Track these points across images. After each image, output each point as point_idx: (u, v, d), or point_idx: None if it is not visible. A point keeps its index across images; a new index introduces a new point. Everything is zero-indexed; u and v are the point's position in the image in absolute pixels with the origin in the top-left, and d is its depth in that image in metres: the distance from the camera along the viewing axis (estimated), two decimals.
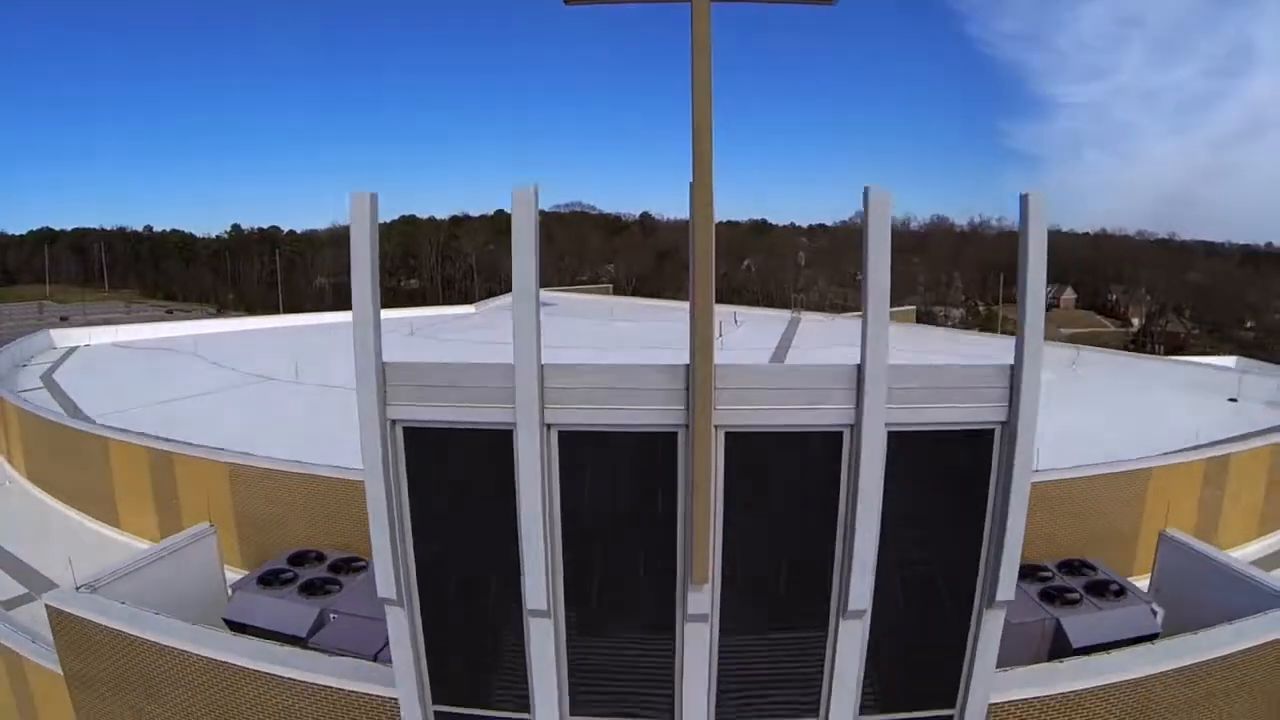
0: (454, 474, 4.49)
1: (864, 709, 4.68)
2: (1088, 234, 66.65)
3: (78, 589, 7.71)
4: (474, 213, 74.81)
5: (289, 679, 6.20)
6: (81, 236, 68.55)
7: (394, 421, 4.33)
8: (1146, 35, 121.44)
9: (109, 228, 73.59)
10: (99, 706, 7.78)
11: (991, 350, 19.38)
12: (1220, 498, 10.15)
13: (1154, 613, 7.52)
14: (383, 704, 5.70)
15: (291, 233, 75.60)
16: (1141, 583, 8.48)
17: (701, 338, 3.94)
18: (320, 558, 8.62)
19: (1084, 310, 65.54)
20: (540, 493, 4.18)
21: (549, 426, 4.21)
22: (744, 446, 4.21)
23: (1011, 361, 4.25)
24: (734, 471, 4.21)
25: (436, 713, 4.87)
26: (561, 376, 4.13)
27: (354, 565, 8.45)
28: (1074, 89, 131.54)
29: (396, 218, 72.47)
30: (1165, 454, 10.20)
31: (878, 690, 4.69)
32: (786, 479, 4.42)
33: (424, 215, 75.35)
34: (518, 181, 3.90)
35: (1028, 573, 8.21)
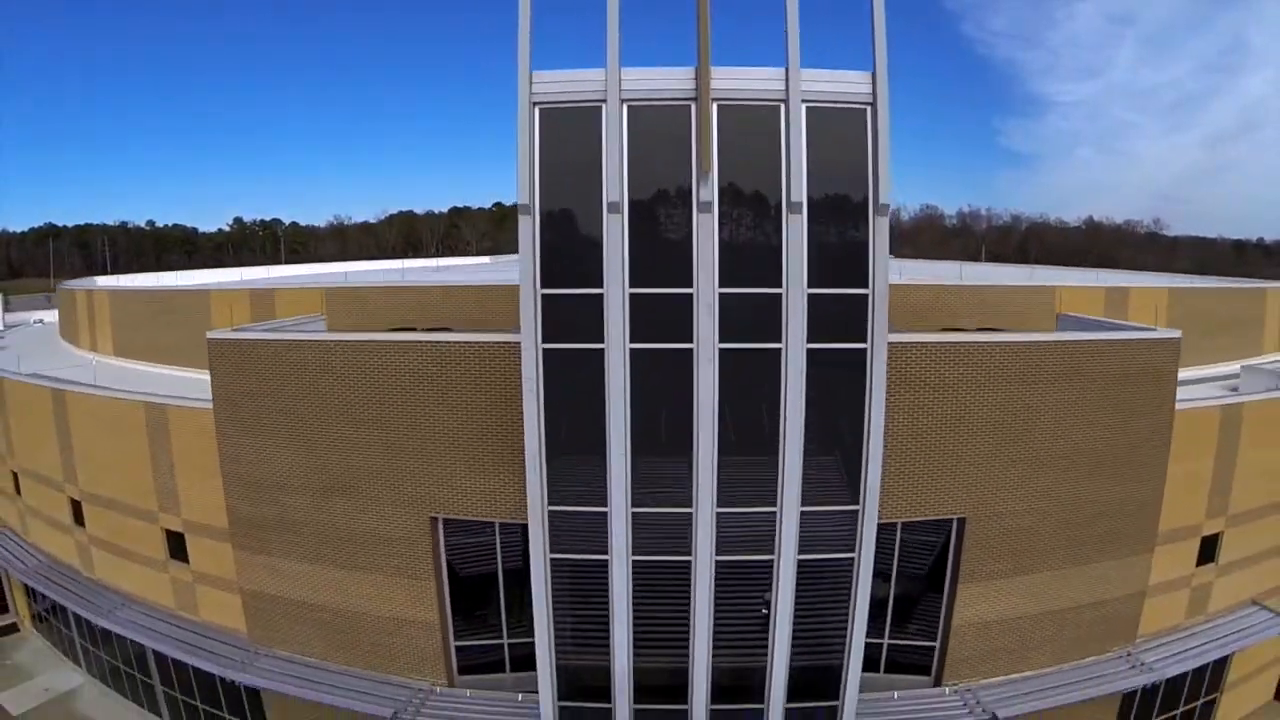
0: (565, 135, 8.57)
1: (810, 284, 8.48)
2: (1079, 227, 73.24)
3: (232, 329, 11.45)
4: (474, 205, 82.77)
5: (440, 342, 9.93)
6: (83, 232, 74.55)
7: (535, 104, 8.48)
8: (1139, 34, 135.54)
9: (111, 223, 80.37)
10: (237, 418, 11.22)
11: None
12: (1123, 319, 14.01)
13: None
14: (506, 347, 9.45)
15: (294, 224, 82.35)
16: None
17: (702, 49, 8.15)
18: (413, 329, 12.36)
19: None
20: (619, 133, 8.29)
21: (623, 101, 8.37)
22: (726, 113, 8.38)
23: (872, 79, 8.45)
24: (723, 132, 8.35)
25: (544, 295, 8.61)
26: (632, 73, 8.35)
27: (446, 330, 12.18)
28: (1067, 87, 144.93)
29: (396, 212, 79.75)
30: (1071, 283, 14.21)
31: (817, 272, 8.51)
32: (752, 137, 8.54)
33: (421, 211, 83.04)
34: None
35: (953, 331, 12.04)
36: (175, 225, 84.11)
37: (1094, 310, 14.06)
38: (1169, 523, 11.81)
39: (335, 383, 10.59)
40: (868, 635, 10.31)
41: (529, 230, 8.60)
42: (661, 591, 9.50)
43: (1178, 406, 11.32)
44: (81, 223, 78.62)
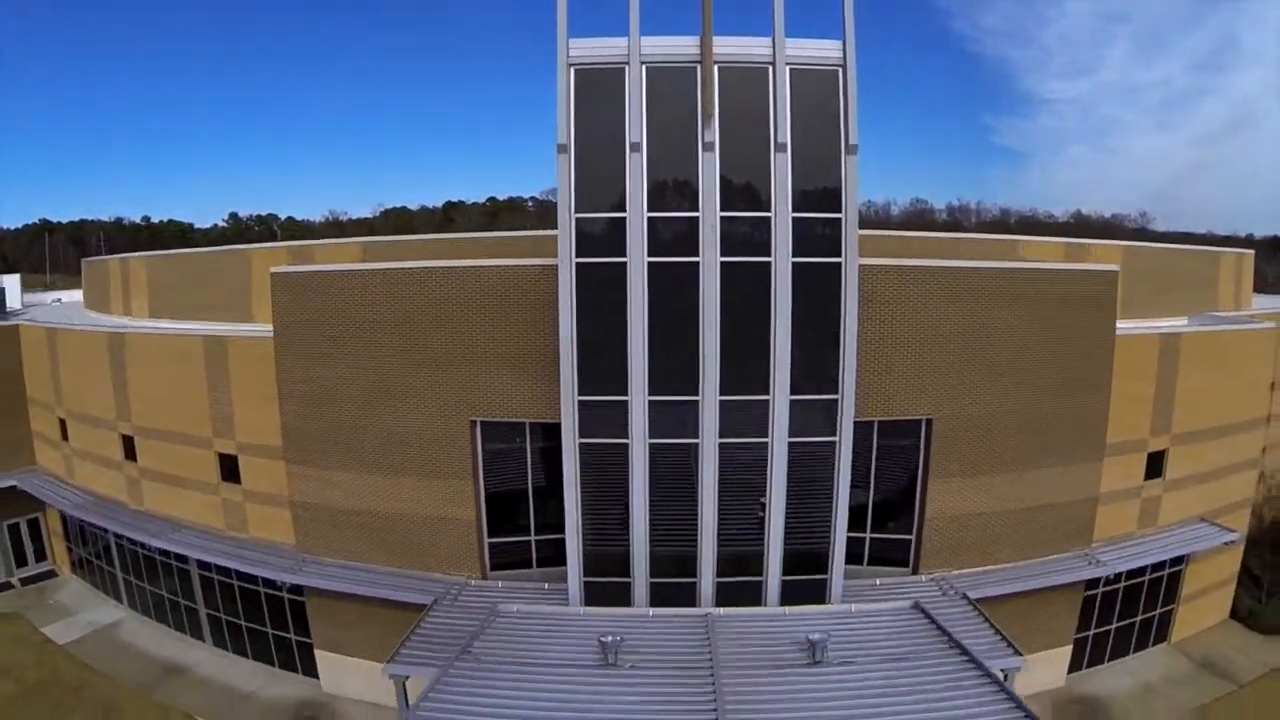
0: (595, 90, 11.11)
1: (794, 209, 10.97)
2: (1067, 222, 77.04)
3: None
4: (468, 199, 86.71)
5: (482, 268, 12.35)
6: (78, 228, 77.08)
7: (570, 65, 11.04)
8: (1131, 31, 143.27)
9: (106, 219, 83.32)
10: (296, 343, 13.55)
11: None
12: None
13: None
14: (540, 270, 11.88)
15: (290, 219, 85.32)
16: None
17: (706, 22, 10.75)
18: None
19: None
20: (639, 88, 10.86)
21: (642, 63, 10.96)
22: (725, 73, 10.97)
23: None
24: (723, 88, 10.92)
25: (577, 219, 11.05)
26: (649, 41, 10.94)
27: None
28: (1059, 85, 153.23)
29: (391, 207, 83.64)
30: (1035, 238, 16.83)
31: (799, 200, 11.01)
32: (747, 92, 11.11)
33: (415, 206, 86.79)
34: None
35: None
36: (170, 220, 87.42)
37: (1055, 258, 16.66)
38: (1116, 436, 14.26)
39: (384, 307, 12.95)
40: (852, 531, 12.67)
41: (566, 166, 11.10)
42: (674, 476, 11.79)
43: (1119, 333, 13.84)
44: (76, 219, 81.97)
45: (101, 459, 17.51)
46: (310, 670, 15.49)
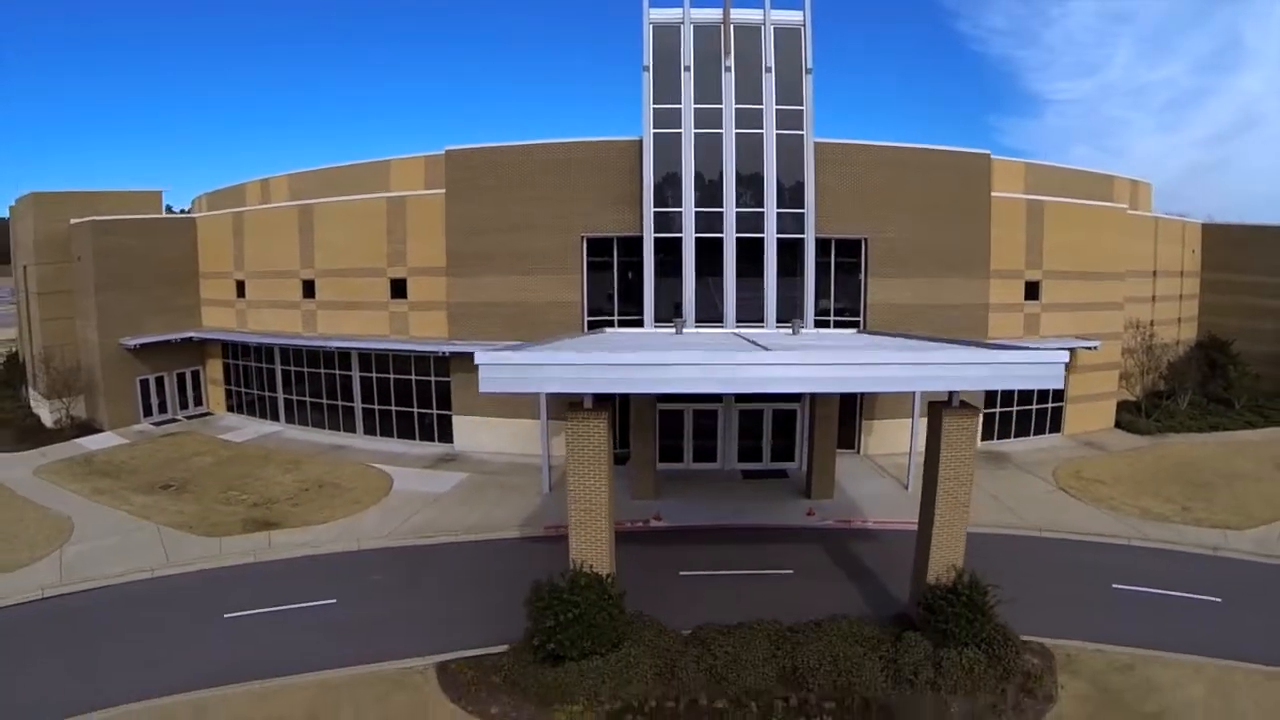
0: (663, 37, 26.02)
1: (777, 103, 25.57)
2: None
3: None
4: None
5: (590, 142, 26.96)
6: None
7: (650, 23, 26.06)
8: (1136, 32, 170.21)
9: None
10: (460, 194, 28.06)
11: None
12: None
13: None
14: (626, 143, 26.44)
15: None
16: None
17: (727, 2, 25.74)
18: None
19: None
20: (689, 36, 25.84)
21: (691, 24, 26.03)
22: (737, 30, 26.01)
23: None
24: (735, 37, 25.94)
25: (654, 109, 25.53)
26: (694, 10, 26.05)
27: None
28: (1063, 85, 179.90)
29: None
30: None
31: (779, 96, 25.62)
32: (749, 39, 26.10)
33: None
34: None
35: None
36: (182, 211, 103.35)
37: None
38: (999, 265, 28.29)
39: (521, 169, 27.02)
40: (820, 316, 26.33)
41: (647, 79, 25.60)
42: (708, 259, 25.47)
43: (997, 196, 28.12)
44: None
45: (281, 302, 30.87)
46: (446, 437, 28.38)
